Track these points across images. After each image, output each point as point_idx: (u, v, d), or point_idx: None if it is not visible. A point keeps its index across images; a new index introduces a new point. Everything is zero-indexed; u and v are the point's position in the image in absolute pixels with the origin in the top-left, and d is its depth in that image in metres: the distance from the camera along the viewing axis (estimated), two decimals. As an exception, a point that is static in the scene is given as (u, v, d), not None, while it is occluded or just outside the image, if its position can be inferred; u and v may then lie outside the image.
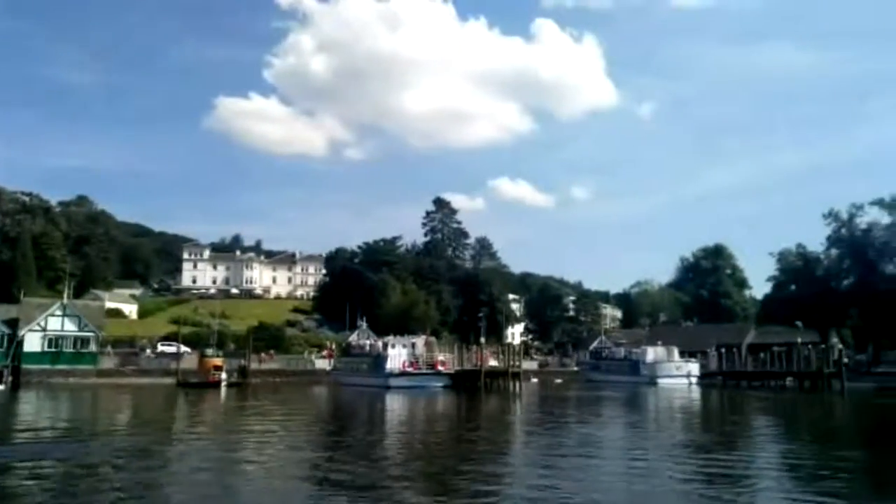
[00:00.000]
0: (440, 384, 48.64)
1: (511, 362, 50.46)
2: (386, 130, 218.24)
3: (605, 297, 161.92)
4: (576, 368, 71.50)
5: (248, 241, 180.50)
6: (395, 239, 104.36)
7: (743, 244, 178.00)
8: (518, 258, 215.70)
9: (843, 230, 78.36)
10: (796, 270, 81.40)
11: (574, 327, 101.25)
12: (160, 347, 66.95)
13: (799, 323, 65.96)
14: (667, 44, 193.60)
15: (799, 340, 56.88)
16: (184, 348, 61.66)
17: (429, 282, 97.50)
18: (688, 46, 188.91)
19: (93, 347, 59.82)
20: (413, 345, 52.36)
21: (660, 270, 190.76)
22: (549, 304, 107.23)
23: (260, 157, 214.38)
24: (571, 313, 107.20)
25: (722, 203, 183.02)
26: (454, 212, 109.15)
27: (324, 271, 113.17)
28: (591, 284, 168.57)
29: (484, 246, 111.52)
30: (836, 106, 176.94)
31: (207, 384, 50.57)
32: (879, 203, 76.14)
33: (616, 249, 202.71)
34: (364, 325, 60.49)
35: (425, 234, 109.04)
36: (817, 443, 21.91)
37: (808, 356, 53.78)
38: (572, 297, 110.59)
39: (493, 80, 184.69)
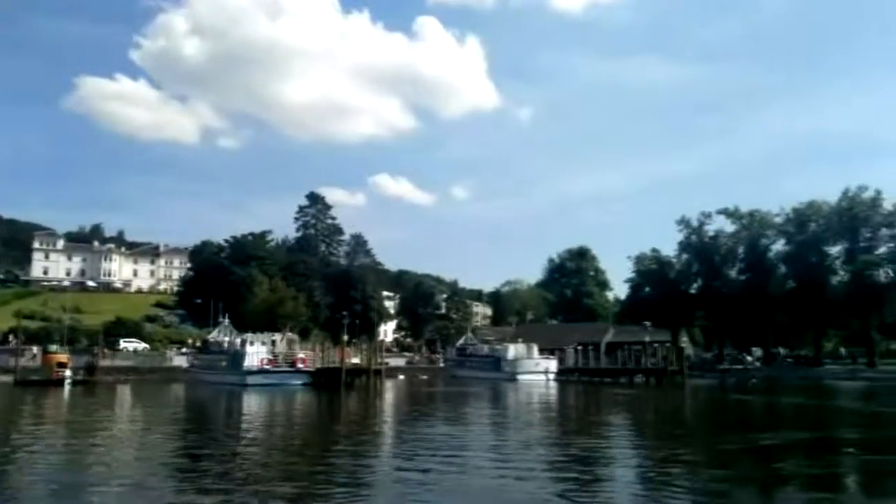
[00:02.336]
0: (300, 382, 47.88)
1: (372, 359, 50.33)
2: (262, 120, 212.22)
3: (478, 295, 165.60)
4: (441, 365, 72.39)
5: (111, 232, 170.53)
6: (265, 233, 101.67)
7: (607, 247, 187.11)
8: (397, 255, 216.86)
9: (693, 237, 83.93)
10: (651, 273, 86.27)
11: (445, 325, 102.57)
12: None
13: (647, 323, 69.85)
14: (546, 50, 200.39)
15: (647, 339, 60.39)
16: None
17: (300, 278, 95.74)
18: (565, 54, 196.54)
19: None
20: (273, 342, 51.19)
21: (531, 270, 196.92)
22: (421, 301, 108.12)
23: (125, 142, 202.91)
24: (443, 311, 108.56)
25: (590, 207, 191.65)
26: (328, 207, 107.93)
27: (189, 265, 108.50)
28: (467, 283, 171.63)
29: (359, 243, 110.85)
30: (696, 119, 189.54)
31: (50, 382, 47.50)
32: (725, 212, 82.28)
33: (492, 249, 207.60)
34: (226, 321, 58.30)
35: (298, 230, 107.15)
36: (629, 431, 23.43)
37: (654, 354, 57.28)
38: (444, 296, 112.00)
39: (375, 75, 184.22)
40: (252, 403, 36.29)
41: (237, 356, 49.88)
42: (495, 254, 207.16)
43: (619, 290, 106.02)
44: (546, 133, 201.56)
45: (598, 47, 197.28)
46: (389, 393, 45.41)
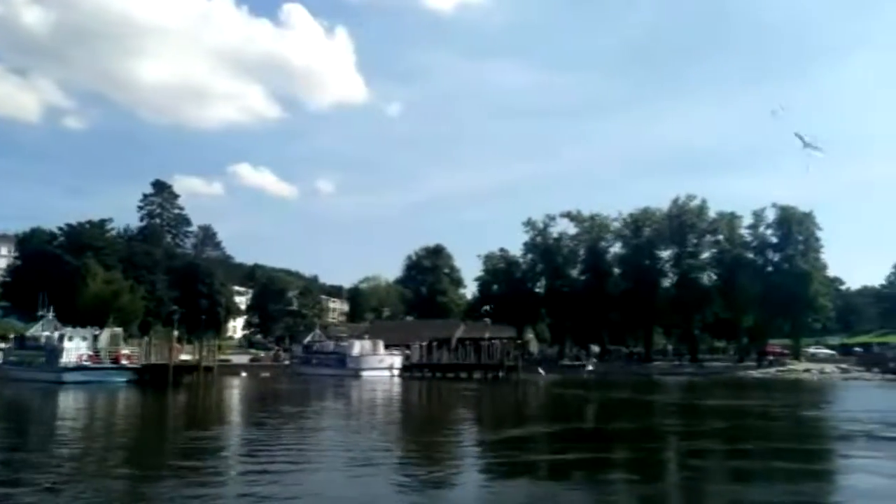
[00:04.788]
0: (123, 379, 45.26)
1: (202, 355, 48.49)
2: (114, 100, 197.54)
3: (338, 291, 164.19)
4: (287, 362, 70.99)
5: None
6: (104, 221, 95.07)
7: (468, 245, 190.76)
8: (256, 249, 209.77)
9: (538, 238, 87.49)
10: (499, 272, 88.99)
11: (296, 321, 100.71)
12: None
13: (488, 320, 72.12)
14: (416, 47, 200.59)
15: (487, 335, 62.22)
16: None
17: (141, 270, 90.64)
18: (434, 53, 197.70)
19: None
20: (95, 337, 48.05)
21: (392, 267, 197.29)
22: (273, 297, 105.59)
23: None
24: (295, 307, 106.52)
25: (453, 205, 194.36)
26: (175, 196, 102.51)
27: (16, 253, 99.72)
28: (328, 279, 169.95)
29: (207, 234, 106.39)
30: (556, 124, 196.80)
31: None
32: (568, 215, 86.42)
33: (355, 244, 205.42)
34: (50, 315, 54.03)
35: (141, 219, 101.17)
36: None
37: (492, 350, 59.17)
38: (296, 291, 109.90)
39: (238, 60, 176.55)
40: (63, 403, 34.19)
41: (53, 352, 46.47)
42: (359, 249, 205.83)
43: (472, 287, 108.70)
44: (414, 130, 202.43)
45: (466, 48, 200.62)
46: (221, 391, 43.96)
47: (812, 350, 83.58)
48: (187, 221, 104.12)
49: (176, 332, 52.74)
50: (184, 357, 49.09)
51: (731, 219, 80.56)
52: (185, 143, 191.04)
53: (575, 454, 16.87)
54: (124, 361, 46.76)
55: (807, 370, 68.02)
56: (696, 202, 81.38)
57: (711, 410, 31.70)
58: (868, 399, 37.16)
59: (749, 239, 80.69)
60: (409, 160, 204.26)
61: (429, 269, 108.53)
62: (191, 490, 12.16)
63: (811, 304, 76.09)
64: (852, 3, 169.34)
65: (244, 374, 61.91)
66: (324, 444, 18.64)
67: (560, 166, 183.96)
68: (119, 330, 51.46)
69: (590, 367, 73.45)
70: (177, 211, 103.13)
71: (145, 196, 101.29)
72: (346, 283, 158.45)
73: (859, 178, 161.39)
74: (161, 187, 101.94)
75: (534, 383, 53.06)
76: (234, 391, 45.47)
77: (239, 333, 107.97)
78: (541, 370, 64.47)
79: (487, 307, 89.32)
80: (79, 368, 45.11)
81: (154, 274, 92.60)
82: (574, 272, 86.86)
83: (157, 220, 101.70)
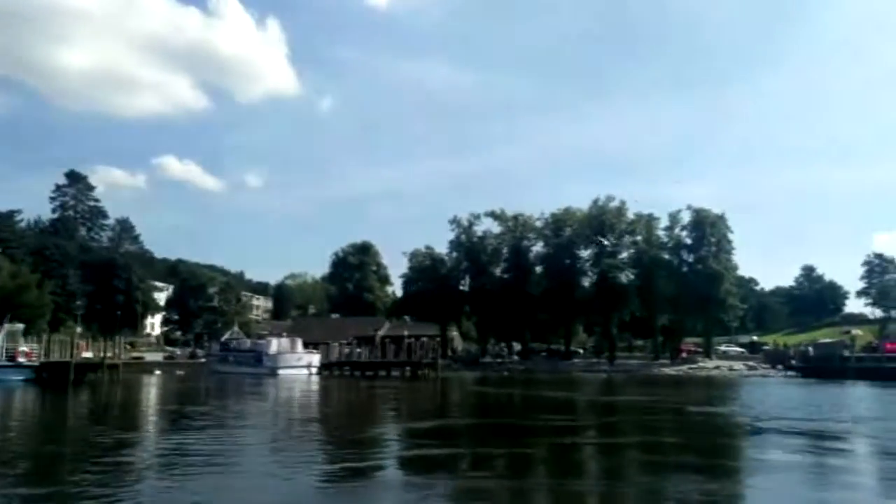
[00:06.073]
0: (20, 377, 43.43)
1: (106, 353, 46.90)
2: (28, 86, 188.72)
3: (264, 288, 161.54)
4: (203, 360, 69.49)
5: None
6: (13, 213, 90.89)
7: (396, 243, 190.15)
8: (181, 243, 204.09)
9: (463, 236, 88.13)
10: (424, 269, 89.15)
11: (217, 318, 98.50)
12: None
13: (407, 317, 72.19)
14: (349, 42, 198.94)
15: (406, 333, 62.29)
16: None
17: (52, 264, 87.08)
18: (368, 48, 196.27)
19: None
20: (-9, 333, 45.96)
21: (321, 264, 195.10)
22: (193, 293, 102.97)
23: None
24: (216, 304, 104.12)
25: (383, 202, 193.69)
26: (91, 188, 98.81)
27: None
28: (254, 275, 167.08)
29: (124, 228, 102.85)
30: (485, 123, 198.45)
31: None
32: (492, 214, 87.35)
33: (284, 240, 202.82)
34: (-56, 312, 51.40)
35: (54, 211, 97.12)
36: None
37: (410, 347, 59.25)
38: (216, 288, 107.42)
39: (165, 49, 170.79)
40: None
41: (-57, 351, 44.27)
42: (286, 246, 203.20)
43: (399, 285, 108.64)
44: (345, 125, 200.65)
45: (400, 44, 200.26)
46: (126, 391, 42.54)
47: (723, 348, 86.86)
48: (103, 214, 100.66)
49: (79, 329, 50.87)
50: (87, 355, 47.34)
51: (648, 220, 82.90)
52: (108, 134, 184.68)
53: (446, 450, 17.09)
54: (22, 359, 44.87)
55: (716, 367, 70.72)
56: (615, 203, 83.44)
57: (596, 405, 32.55)
58: (760, 394, 38.82)
59: (665, 240, 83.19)
60: (339, 156, 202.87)
61: (356, 266, 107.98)
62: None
63: (722, 304, 79.00)
64: (771, 21, 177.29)
65: (158, 373, 60.39)
66: (205, 447, 18.22)
67: (490, 165, 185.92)
68: (19, 326, 49.26)
69: (509, 365, 74.50)
70: (92, 203, 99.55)
71: (58, 187, 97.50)
72: (273, 280, 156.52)
73: (774, 184, 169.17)
74: (75, 178, 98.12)
75: (451, 381, 53.37)
76: (141, 390, 44.10)
77: (157, 331, 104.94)
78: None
79: (412, 305, 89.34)
80: (-28, 366, 43.11)
81: (66, 268, 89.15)
82: (498, 270, 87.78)
83: (71, 213, 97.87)
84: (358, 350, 63.65)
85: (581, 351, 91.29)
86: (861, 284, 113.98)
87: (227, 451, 16.70)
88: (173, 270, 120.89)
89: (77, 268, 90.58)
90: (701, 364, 73.23)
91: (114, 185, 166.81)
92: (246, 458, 15.90)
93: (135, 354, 69.95)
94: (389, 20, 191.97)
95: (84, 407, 32.81)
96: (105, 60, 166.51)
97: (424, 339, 64.13)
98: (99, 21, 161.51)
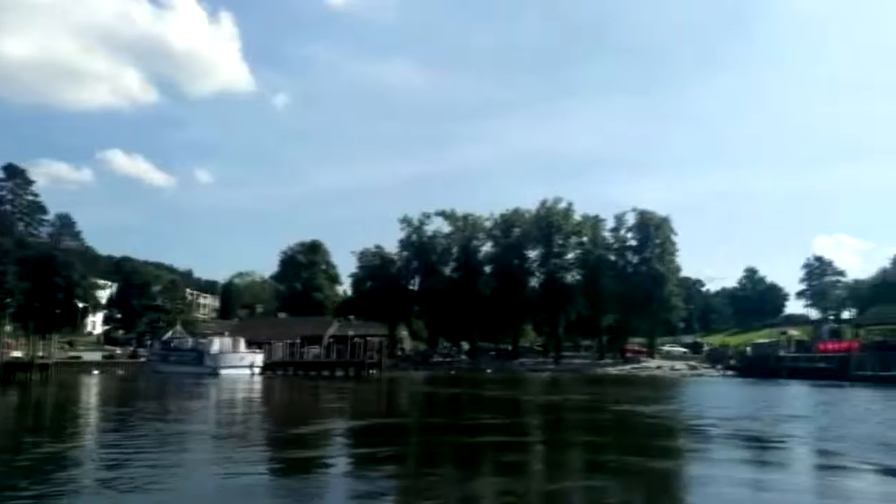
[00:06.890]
0: (-56, 378, 41.93)
1: (39, 352, 45.55)
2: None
3: (212, 286, 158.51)
4: (144, 360, 67.96)
5: None
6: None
7: (349, 242, 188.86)
8: (127, 240, 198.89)
9: (414, 235, 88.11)
10: (373, 269, 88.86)
11: (160, 317, 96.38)
12: None
13: (352, 317, 71.96)
14: (305, 38, 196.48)
15: (351, 333, 62.05)
16: None
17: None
18: (324, 45, 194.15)
19: None
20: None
21: (270, 262, 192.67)
22: (136, 291, 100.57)
23: None
24: (159, 302, 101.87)
25: (337, 201, 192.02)
26: (29, 182, 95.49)
27: None
28: (204, 273, 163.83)
29: (65, 224, 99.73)
30: (445, 124, 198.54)
31: None
32: (443, 214, 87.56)
33: (234, 238, 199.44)
34: None
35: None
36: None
37: (357, 347, 59.06)
38: (159, 287, 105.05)
39: (113, 40, 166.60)
40: None
41: None
42: (236, 244, 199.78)
43: (349, 284, 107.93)
44: (300, 123, 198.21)
45: (357, 42, 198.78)
46: (58, 391, 41.33)
47: (667, 348, 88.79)
48: (42, 209, 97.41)
49: (9, 327, 49.23)
50: (17, 354, 45.84)
51: (594, 221, 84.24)
52: (52, 126, 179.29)
53: (366, 449, 17.17)
54: (-53, 359, 43.24)
55: (659, 367, 72.25)
56: (562, 205, 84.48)
57: (533, 404, 32.94)
58: (694, 393, 39.83)
59: (611, 241, 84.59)
60: (293, 154, 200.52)
61: (304, 265, 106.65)
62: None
63: (666, 304, 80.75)
64: (725, 25, 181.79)
65: (96, 373, 58.81)
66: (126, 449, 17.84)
67: (444, 166, 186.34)
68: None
69: (457, 365, 74.78)
70: (30, 197, 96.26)
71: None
72: (222, 279, 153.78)
73: (721, 186, 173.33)
74: (13, 172, 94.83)
75: (397, 381, 53.33)
76: (73, 390, 42.92)
77: (99, 329, 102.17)
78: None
79: (361, 304, 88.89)
80: None
81: (4, 264, 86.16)
82: (447, 270, 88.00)
83: (8, 207, 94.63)
84: (303, 350, 63.05)
85: (529, 349, 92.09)
86: (801, 287, 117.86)
87: (155, 446, 16.41)
88: (117, 268, 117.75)
89: (13, 264, 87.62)
90: (644, 364, 74.72)
91: (58, 180, 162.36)
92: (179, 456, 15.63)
93: (72, 354, 68.00)
94: (347, 18, 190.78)
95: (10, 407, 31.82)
96: (50, 50, 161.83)
97: (374, 338, 63.95)
98: (44, 9, 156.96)
